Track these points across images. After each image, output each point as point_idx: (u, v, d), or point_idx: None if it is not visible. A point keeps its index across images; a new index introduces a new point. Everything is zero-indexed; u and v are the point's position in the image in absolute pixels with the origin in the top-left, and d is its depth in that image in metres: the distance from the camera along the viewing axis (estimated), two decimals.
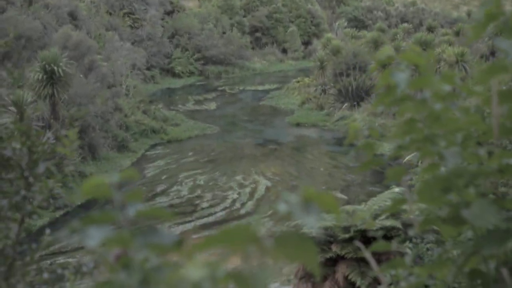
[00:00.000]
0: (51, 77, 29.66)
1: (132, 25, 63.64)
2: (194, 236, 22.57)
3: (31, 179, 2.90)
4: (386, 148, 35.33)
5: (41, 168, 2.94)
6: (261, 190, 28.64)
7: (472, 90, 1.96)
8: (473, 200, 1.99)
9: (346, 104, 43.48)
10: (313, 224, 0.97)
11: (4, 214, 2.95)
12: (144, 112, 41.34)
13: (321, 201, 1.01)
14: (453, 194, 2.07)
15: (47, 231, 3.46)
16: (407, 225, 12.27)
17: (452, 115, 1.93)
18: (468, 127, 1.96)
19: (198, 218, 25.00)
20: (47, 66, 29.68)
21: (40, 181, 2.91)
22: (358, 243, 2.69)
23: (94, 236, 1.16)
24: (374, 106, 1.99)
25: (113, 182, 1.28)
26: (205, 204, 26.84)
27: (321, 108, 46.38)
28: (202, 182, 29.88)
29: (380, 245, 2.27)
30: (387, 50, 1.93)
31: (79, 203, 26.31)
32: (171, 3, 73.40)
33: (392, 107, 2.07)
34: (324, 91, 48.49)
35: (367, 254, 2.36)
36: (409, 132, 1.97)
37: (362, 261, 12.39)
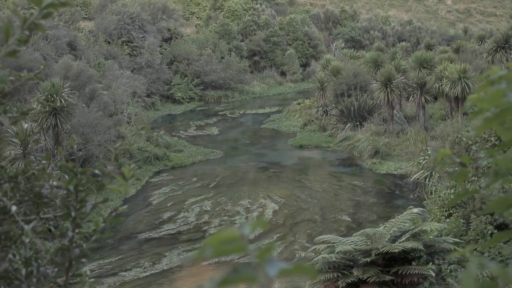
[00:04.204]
0: (54, 108, 29.54)
1: (131, 53, 63.76)
2: (205, 263, 22.29)
3: (78, 220, 2.70)
4: (392, 167, 35.23)
5: (88, 207, 2.75)
6: (268, 213, 28.38)
7: None
8: None
9: (348, 125, 43.34)
10: None
11: (49, 258, 2.76)
12: (147, 139, 41.18)
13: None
14: None
15: (87, 271, 3.27)
16: (428, 246, 12.04)
17: None
18: None
19: None
20: (49, 96, 29.58)
21: (88, 221, 2.71)
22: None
23: None
24: (481, 130, 1.79)
25: (245, 235, 1.09)
26: (212, 230, 26.54)
27: (324, 129, 46.25)
28: (208, 208, 29.62)
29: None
30: (497, 69, 1.74)
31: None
32: (169, 30, 73.67)
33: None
34: (325, 112, 48.42)
35: None
36: None
37: (385, 284, 12.11)
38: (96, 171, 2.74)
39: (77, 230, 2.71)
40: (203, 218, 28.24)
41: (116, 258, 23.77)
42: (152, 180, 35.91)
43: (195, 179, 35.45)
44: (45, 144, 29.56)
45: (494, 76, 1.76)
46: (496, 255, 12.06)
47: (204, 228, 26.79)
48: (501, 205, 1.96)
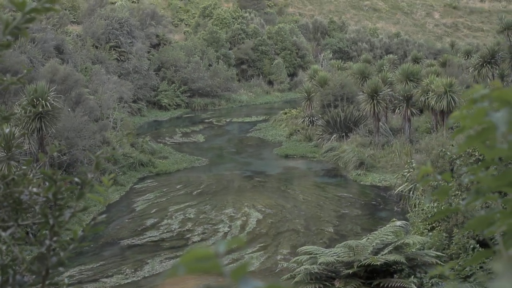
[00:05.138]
0: (39, 112, 29.35)
1: (119, 58, 63.59)
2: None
3: (56, 228, 2.67)
4: (377, 179, 35.30)
5: (66, 216, 2.72)
6: (252, 222, 28.32)
7: None
8: None
9: (334, 135, 43.42)
10: None
11: (26, 267, 2.72)
12: (132, 145, 41.03)
13: None
14: None
15: (66, 280, 3.22)
16: (410, 259, 12.04)
17: None
18: None
19: None
20: (34, 100, 29.40)
21: (67, 229, 2.68)
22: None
23: None
24: (462, 149, 1.79)
25: (219, 253, 1.07)
26: (196, 238, 26.46)
27: (309, 139, 46.32)
28: (192, 216, 29.52)
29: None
30: (480, 88, 1.73)
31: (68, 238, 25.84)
32: (157, 36, 73.59)
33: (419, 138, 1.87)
34: (312, 122, 48.51)
35: None
36: (500, 179, 1.77)
37: None
38: (76, 179, 2.71)
39: (55, 238, 2.68)
40: (186, 225, 28.13)
41: (98, 264, 23.61)
42: (136, 186, 35.77)
43: (179, 186, 35.34)
44: (29, 148, 29.36)
45: (477, 94, 1.76)
46: (477, 269, 12.10)
47: (187, 236, 26.69)
48: (482, 224, 1.96)
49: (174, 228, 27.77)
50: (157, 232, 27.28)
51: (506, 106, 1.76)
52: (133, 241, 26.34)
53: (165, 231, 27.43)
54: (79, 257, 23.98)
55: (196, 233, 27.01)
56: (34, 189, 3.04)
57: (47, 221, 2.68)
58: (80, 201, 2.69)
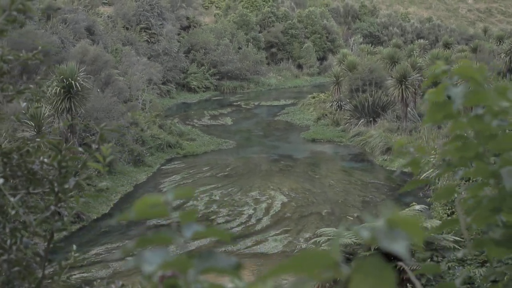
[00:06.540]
0: (69, 91, 29.79)
1: (149, 40, 63.97)
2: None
3: (61, 195, 2.84)
4: (403, 164, 35.06)
5: (71, 183, 2.88)
6: (277, 206, 28.50)
7: None
8: None
9: (362, 120, 43.31)
10: (401, 251, 0.89)
11: (32, 230, 2.90)
12: (160, 126, 41.41)
13: (406, 225, 0.93)
14: (503, 215, 1.98)
15: (74, 247, 3.40)
16: (427, 243, 12.11)
17: (508, 133, 1.84)
18: None
19: None
20: (64, 80, 29.83)
21: (70, 196, 2.85)
22: (404, 266, 2.61)
23: (152, 261, 1.08)
24: (426, 122, 1.90)
25: (168, 200, 1.21)
26: (220, 220, 26.73)
27: (337, 124, 46.23)
28: (217, 197, 29.79)
29: (429, 268, 2.18)
30: (442, 64, 1.84)
31: (95, 217, 26.32)
32: (187, 18, 73.77)
33: (443, 123, 1.98)
34: (339, 107, 48.39)
35: (413, 277, 2.27)
36: (461, 150, 1.88)
37: None
38: (80, 149, 2.87)
39: (59, 205, 2.85)
40: (211, 207, 28.40)
41: (124, 243, 23.99)
42: (163, 167, 36.14)
43: (206, 168, 35.62)
44: (59, 127, 29.83)
45: (438, 70, 1.87)
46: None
47: (212, 218, 26.96)
48: (447, 193, 2.08)
49: (200, 210, 28.03)
50: None
51: (467, 82, 1.87)
52: (159, 221, 26.66)
53: None
54: (106, 235, 24.41)
55: (221, 215, 27.28)
56: (45, 160, 3.22)
57: (52, 189, 2.85)
58: (83, 170, 2.85)
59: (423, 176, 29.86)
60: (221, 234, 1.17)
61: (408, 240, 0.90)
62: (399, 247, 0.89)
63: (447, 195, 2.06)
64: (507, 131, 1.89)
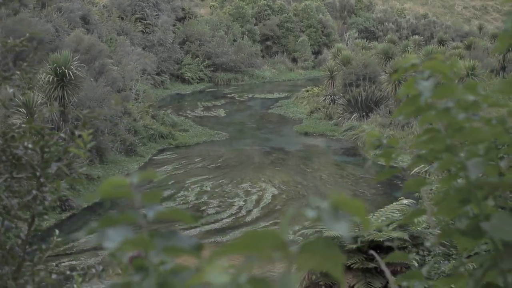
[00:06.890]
0: (62, 80, 29.74)
1: (144, 30, 63.85)
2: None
3: (43, 179, 2.88)
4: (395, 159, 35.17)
5: (53, 168, 2.92)
6: (267, 198, 28.58)
7: (495, 102, 1.93)
8: (492, 212, 1.96)
9: (355, 115, 43.38)
10: (343, 231, 0.93)
11: (14, 213, 2.93)
12: (153, 117, 41.39)
13: (350, 207, 0.98)
14: (472, 206, 2.03)
15: (56, 231, 3.44)
16: (414, 237, 12.21)
17: (475, 126, 1.89)
18: (490, 139, 1.92)
19: (204, 224, 24.93)
20: (58, 68, 29.77)
21: (52, 181, 2.89)
22: (374, 254, 2.66)
23: (114, 238, 1.13)
24: (396, 115, 1.96)
25: (133, 182, 1.25)
26: (211, 211, 26.79)
27: (330, 118, 46.30)
28: (208, 188, 29.85)
29: (396, 256, 2.23)
30: (412, 57, 1.89)
31: (85, 206, 26.31)
32: (183, 9, 73.65)
33: (414, 116, 2.04)
34: (333, 101, 48.45)
35: (383, 265, 2.32)
36: (430, 142, 1.93)
37: (368, 271, 12.31)
38: (62, 135, 2.91)
39: (41, 189, 2.89)
40: (202, 198, 28.47)
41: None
42: (155, 157, 36.17)
43: (198, 159, 35.66)
44: (51, 116, 29.78)
45: (407, 64, 1.92)
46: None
47: (203, 208, 27.02)
48: (417, 185, 2.13)
49: (190, 200, 28.11)
50: (173, 203, 27.63)
51: (436, 76, 1.92)
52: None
53: (181, 203, 27.78)
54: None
55: (211, 206, 27.34)
56: (29, 145, 3.25)
57: (34, 173, 2.89)
58: (66, 155, 2.89)
59: (414, 170, 30.01)
60: (183, 216, 1.21)
61: (349, 221, 0.95)
62: (341, 227, 0.94)
63: (416, 186, 2.11)
64: (476, 124, 1.94)
